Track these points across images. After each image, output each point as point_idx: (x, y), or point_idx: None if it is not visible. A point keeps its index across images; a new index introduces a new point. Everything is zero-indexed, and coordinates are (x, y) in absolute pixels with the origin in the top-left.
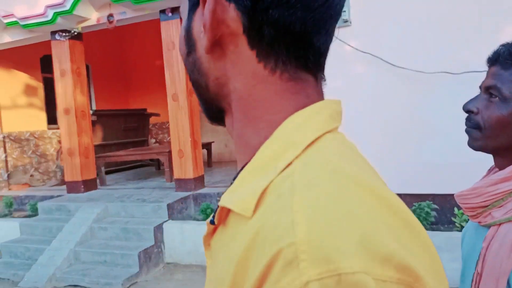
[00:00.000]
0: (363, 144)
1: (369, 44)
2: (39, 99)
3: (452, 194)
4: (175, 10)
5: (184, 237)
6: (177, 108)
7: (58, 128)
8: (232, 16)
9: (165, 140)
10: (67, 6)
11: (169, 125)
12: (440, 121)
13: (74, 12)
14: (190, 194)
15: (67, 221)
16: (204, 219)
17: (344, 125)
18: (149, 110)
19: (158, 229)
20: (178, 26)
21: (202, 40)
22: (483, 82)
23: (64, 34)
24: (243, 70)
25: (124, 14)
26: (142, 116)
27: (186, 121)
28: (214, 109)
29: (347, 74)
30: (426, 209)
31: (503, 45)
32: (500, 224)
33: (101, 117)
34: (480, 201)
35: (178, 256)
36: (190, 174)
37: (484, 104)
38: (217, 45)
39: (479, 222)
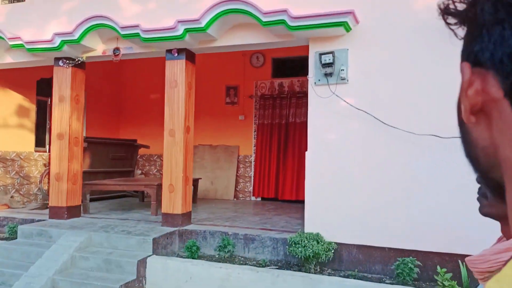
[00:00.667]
0: (351, 194)
1: (364, 102)
2: (30, 121)
3: (435, 252)
4: (181, 51)
5: (167, 273)
6: (173, 144)
7: (45, 151)
8: (492, 82)
9: (151, 173)
10: (76, 36)
11: (156, 157)
12: (428, 181)
13: (82, 42)
14: (176, 230)
15: (47, 247)
16: (189, 257)
17: (335, 175)
18: (138, 142)
19: (142, 263)
20: (182, 66)
21: (463, 109)
22: None
23: (68, 61)
24: (511, 137)
25: (131, 50)
26: (131, 147)
27: (181, 157)
28: (490, 183)
29: (342, 127)
30: (410, 264)
31: None
32: None
33: (90, 144)
34: (487, 266)
35: None
36: (178, 209)
37: None
38: (479, 113)
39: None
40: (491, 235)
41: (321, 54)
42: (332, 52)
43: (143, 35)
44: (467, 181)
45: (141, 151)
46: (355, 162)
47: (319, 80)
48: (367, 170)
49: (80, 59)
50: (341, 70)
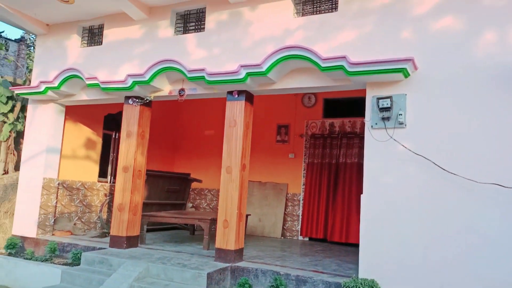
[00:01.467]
0: (407, 243)
1: (422, 147)
2: (96, 153)
3: None
4: (241, 92)
5: None
6: (229, 181)
7: (106, 182)
8: None
9: (201, 206)
10: (146, 77)
11: (207, 191)
12: (489, 234)
13: (151, 83)
14: (229, 266)
15: (108, 275)
16: None
17: (391, 220)
18: (191, 176)
19: None
20: (242, 107)
21: None
22: None
23: (137, 100)
24: None
25: (195, 90)
26: (185, 180)
27: (236, 193)
28: None
29: (399, 172)
30: None
31: None
32: None
33: (149, 177)
34: None
35: None
36: (231, 245)
37: None
38: None
39: None
40: None
41: (378, 99)
42: (390, 97)
43: (208, 78)
44: None
45: (193, 184)
46: (412, 208)
47: (376, 123)
48: (425, 218)
49: (149, 98)
50: (399, 114)
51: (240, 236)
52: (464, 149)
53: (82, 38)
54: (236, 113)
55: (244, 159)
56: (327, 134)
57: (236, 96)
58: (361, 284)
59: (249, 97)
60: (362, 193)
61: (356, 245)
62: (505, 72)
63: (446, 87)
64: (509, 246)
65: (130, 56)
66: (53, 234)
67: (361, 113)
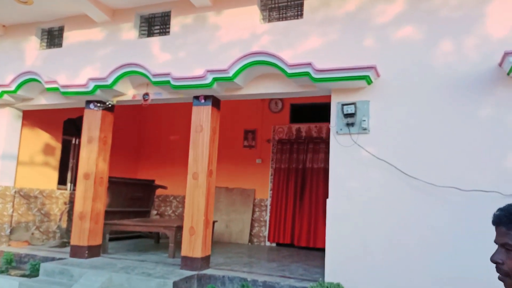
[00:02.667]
0: (372, 245)
1: (385, 152)
2: (55, 159)
3: None
4: (208, 97)
5: None
6: (196, 187)
7: (65, 189)
8: None
9: (166, 213)
10: (109, 82)
11: (172, 198)
12: (448, 234)
13: (114, 87)
14: (195, 274)
15: (69, 286)
16: None
17: (356, 224)
18: (156, 182)
19: None
20: (208, 112)
21: None
22: (497, 238)
23: (98, 104)
24: None
25: (160, 95)
26: (149, 187)
27: (203, 199)
28: None
29: (363, 176)
30: None
31: (500, 210)
32: None
33: (112, 184)
34: None
35: None
36: (198, 253)
37: (505, 256)
38: None
39: None
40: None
41: (343, 105)
42: (354, 103)
43: (173, 83)
44: (489, 234)
45: (158, 191)
46: (375, 211)
47: (341, 129)
48: (388, 221)
49: (111, 102)
50: (363, 120)
51: (207, 243)
52: (424, 154)
53: (41, 40)
54: (202, 118)
55: (211, 165)
56: (294, 139)
57: (203, 101)
58: (327, 287)
59: (215, 102)
60: (328, 197)
61: (323, 250)
62: (460, 80)
63: (407, 94)
64: (465, 245)
65: (91, 59)
66: (9, 245)
67: (327, 119)
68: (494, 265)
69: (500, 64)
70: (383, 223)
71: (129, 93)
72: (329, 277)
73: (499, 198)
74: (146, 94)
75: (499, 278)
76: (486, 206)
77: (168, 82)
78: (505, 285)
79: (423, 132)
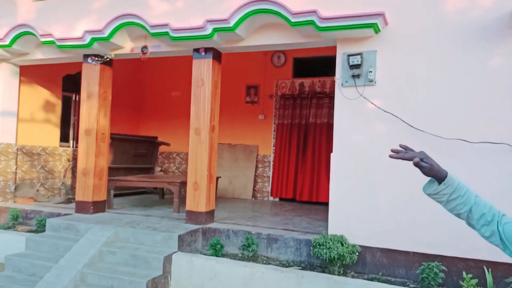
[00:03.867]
0: (376, 197)
1: (392, 104)
2: (56, 116)
3: (460, 258)
4: (208, 50)
5: (192, 270)
6: (198, 142)
7: (68, 146)
8: None
9: (170, 170)
10: (106, 34)
11: (176, 155)
12: None
13: (111, 40)
14: (200, 228)
15: (75, 240)
16: (213, 255)
17: (360, 177)
18: (159, 139)
19: (168, 259)
20: (209, 65)
21: None
22: None
23: (96, 58)
24: None
25: (159, 48)
26: (152, 144)
27: (206, 155)
28: None
29: (368, 130)
30: (435, 269)
31: None
32: None
33: (114, 140)
34: None
35: None
36: (202, 207)
37: None
38: None
39: None
40: None
41: (349, 56)
42: (360, 54)
43: (172, 34)
44: (494, 186)
45: (161, 148)
46: (381, 165)
47: (346, 81)
48: (393, 174)
49: (109, 56)
50: (369, 72)
51: (211, 198)
52: (431, 107)
53: None
54: (203, 72)
55: (213, 120)
56: (297, 94)
57: (203, 53)
58: (331, 240)
59: (216, 55)
60: (331, 152)
61: (325, 204)
62: (472, 28)
63: (416, 43)
64: None
65: (88, 11)
66: (14, 201)
67: (331, 73)
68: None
69: None
70: (388, 176)
71: (127, 46)
72: (332, 230)
73: (507, 151)
74: (145, 47)
75: None
76: (494, 158)
77: (167, 33)
78: None
79: (431, 83)
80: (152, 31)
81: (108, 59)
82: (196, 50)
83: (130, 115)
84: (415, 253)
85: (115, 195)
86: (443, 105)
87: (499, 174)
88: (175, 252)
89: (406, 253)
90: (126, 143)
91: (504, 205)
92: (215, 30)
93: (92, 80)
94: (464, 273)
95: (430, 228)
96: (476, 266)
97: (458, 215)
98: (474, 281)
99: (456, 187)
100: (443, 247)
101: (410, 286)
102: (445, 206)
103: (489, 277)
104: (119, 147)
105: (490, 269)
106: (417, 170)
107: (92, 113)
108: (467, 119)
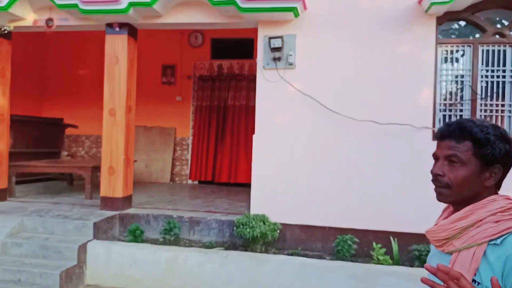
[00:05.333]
0: (296, 177)
1: (310, 87)
2: None
3: (371, 230)
4: (123, 25)
5: (110, 258)
6: (113, 124)
7: None
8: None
9: (78, 154)
10: (3, 3)
11: (85, 138)
12: (365, 163)
13: (10, 10)
14: (117, 214)
15: None
16: (132, 241)
17: (281, 158)
18: (65, 121)
19: (82, 248)
20: (124, 42)
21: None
22: (440, 152)
23: None
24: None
25: (66, 21)
26: (57, 126)
27: (122, 137)
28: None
29: (289, 112)
30: (349, 241)
31: (448, 124)
32: (459, 251)
33: (13, 122)
34: (444, 235)
35: (101, 278)
36: (119, 192)
37: (447, 169)
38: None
39: (443, 250)
40: (417, 214)
41: (270, 38)
42: (281, 37)
43: (82, 7)
44: (400, 165)
45: (68, 131)
46: (300, 145)
47: (267, 64)
48: (311, 154)
49: (7, 28)
50: (289, 55)
51: (128, 182)
52: (346, 90)
53: None
54: (118, 48)
55: (130, 100)
56: (216, 76)
57: (117, 29)
58: (253, 219)
59: (132, 31)
60: (250, 134)
61: (244, 185)
62: (383, 16)
63: (332, 29)
64: (379, 173)
65: None
66: None
67: (249, 55)
68: (431, 178)
69: (420, 1)
70: (307, 156)
71: (29, 18)
72: (254, 209)
73: (411, 130)
74: (50, 19)
75: (436, 191)
76: (400, 138)
77: (76, 5)
78: (441, 196)
79: (345, 68)
80: (58, 2)
81: (6, 32)
82: (110, 25)
83: (31, 94)
84: (330, 228)
85: (17, 183)
86: (355, 89)
87: (403, 151)
88: (90, 240)
89: (323, 228)
90: (28, 125)
91: (406, 177)
92: (131, 4)
93: None
94: (374, 243)
95: (344, 204)
96: (384, 236)
97: None
98: (383, 250)
99: None
100: (355, 221)
101: (326, 258)
102: None
103: (394, 246)
104: (19, 129)
105: (396, 239)
106: (334, 153)
107: None
108: (376, 102)
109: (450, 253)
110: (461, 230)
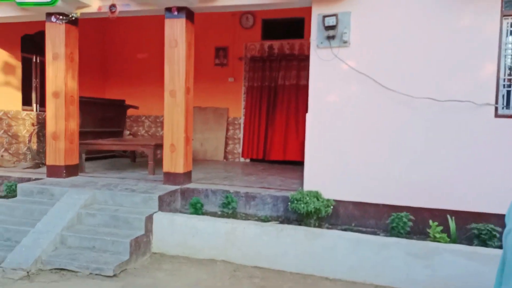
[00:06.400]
0: (349, 154)
1: (365, 65)
2: (16, 79)
3: (426, 208)
4: (181, 9)
5: (174, 229)
6: (174, 105)
7: (32, 110)
8: None
9: (139, 133)
10: None
11: (144, 118)
12: (422, 142)
13: None
14: (179, 188)
15: (51, 204)
16: (193, 213)
17: (335, 136)
18: (126, 102)
19: (149, 219)
20: (183, 25)
21: None
22: None
23: (61, 17)
24: None
25: (128, 6)
26: (120, 107)
27: (182, 117)
28: None
29: (343, 90)
30: (404, 219)
31: None
32: None
33: (81, 104)
34: None
35: (166, 247)
36: (180, 168)
37: None
38: None
39: None
40: (477, 193)
41: (324, 17)
42: (335, 15)
43: None
44: (459, 143)
45: (129, 111)
46: (354, 124)
47: (321, 42)
48: (366, 132)
49: (74, 15)
50: (344, 33)
51: (188, 159)
52: (403, 67)
53: None
54: (177, 32)
55: (188, 82)
56: (266, 56)
57: (176, 13)
58: (307, 195)
59: (189, 15)
60: (300, 113)
61: (295, 163)
62: None
63: (387, 5)
64: (435, 151)
65: None
66: None
67: (299, 35)
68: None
69: None
70: (361, 135)
71: (94, 4)
72: (308, 186)
73: (472, 108)
74: (113, 5)
75: None
76: (460, 115)
77: None
78: None
79: (402, 44)
80: None
81: (73, 18)
82: (168, 10)
83: (96, 77)
84: (384, 205)
85: (86, 159)
86: (413, 65)
87: (463, 129)
88: (155, 212)
89: (376, 205)
90: (94, 106)
91: (466, 155)
92: None
93: (57, 41)
94: (430, 221)
95: (398, 182)
96: (440, 215)
97: None
98: (439, 228)
99: None
100: (410, 199)
101: (380, 235)
102: None
103: (452, 224)
104: (86, 110)
105: (453, 217)
106: (390, 131)
107: (59, 75)
108: (435, 78)
109: None
110: None
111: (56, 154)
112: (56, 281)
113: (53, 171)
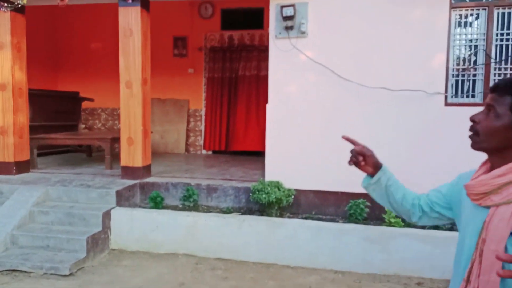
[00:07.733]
0: (308, 144)
1: (322, 56)
2: None
3: None
4: None
5: (133, 224)
6: (130, 96)
7: None
8: None
9: (95, 127)
10: None
11: (100, 111)
12: (377, 130)
13: None
14: (138, 182)
15: (0, 203)
16: (153, 207)
17: (294, 126)
18: (81, 94)
19: (106, 215)
20: (137, 14)
21: None
22: (485, 101)
23: (6, 4)
24: None
25: None
26: (74, 100)
27: (139, 109)
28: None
29: (301, 80)
30: (361, 205)
31: (502, 79)
32: (498, 206)
33: (32, 96)
34: (483, 189)
35: (125, 242)
36: (139, 162)
37: (483, 117)
38: None
39: (480, 204)
40: (426, 178)
41: (282, 7)
42: (293, 5)
43: None
44: (411, 130)
45: (84, 104)
46: (312, 113)
47: (280, 33)
48: (324, 122)
49: (20, 2)
50: (301, 23)
51: (147, 152)
52: (358, 57)
53: None
54: (131, 21)
55: (145, 72)
56: (227, 47)
57: (130, 1)
58: (268, 185)
59: (144, 3)
60: (261, 104)
61: (256, 153)
62: None
63: None
64: (390, 138)
65: None
66: None
67: (259, 25)
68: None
69: None
70: (319, 124)
71: None
72: (269, 176)
73: (423, 97)
74: None
75: (469, 136)
76: (412, 104)
77: None
78: (472, 142)
79: (358, 35)
80: None
81: (19, 6)
82: None
83: (46, 68)
84: (343, 193)
85: (38, 155)
86: (367, 56)
87: (414, 118)
88: (113, 208)
89: (335, 193)
90: (46, 99)
91: (418, 142)
92: None
93: (2, 29)
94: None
95: (356, 170)
96: None
97: (397, 205)
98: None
99: (390, 175)
100: None
101: (339, 221)
102: (383, 196)
103: None
104: (37, 103)
105: None
106: (347, 120)
107: (6, 65)
108: (389, 69)
109: (487, 207)
110: (501, 186)
111: (4, 150)
112: (8, 283)
113: (2, 168)
